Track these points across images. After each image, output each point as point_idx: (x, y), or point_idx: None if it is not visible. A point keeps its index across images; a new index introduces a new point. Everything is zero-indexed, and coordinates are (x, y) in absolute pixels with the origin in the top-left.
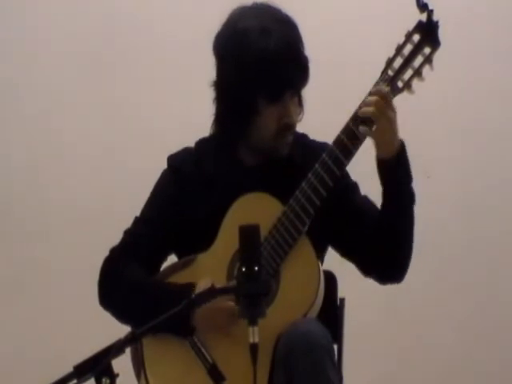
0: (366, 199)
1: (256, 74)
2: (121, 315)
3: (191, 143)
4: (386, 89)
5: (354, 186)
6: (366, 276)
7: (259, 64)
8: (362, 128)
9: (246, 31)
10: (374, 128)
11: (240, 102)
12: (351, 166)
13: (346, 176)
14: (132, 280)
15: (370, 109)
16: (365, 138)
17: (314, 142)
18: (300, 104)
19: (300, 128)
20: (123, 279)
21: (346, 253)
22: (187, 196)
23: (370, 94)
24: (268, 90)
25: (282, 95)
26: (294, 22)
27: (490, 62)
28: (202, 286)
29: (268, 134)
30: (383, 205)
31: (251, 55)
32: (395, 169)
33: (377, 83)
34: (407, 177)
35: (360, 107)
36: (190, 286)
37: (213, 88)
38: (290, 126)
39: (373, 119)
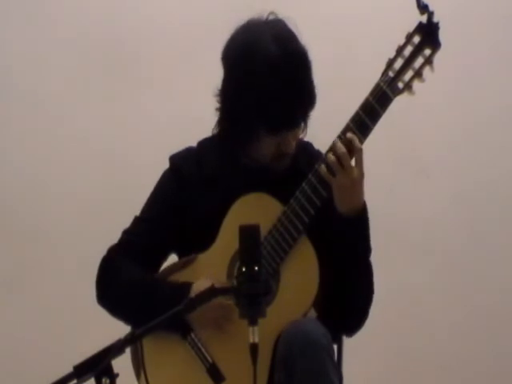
0: None
1: (258, 108)
2: (118, 313)
3: (193, 143)
4: (359, 145)
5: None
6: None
7: (262, 100)
8: (322, 169)
9: (254, 54)
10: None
11: (239, 124)
12: None
13: None
14: (129, 278)
15: (334, 159)
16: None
17: (318, 151)
18: (304, 123)
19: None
20: (120, 277)
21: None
22: (188, 196)
23: (341, 139)
24: (268, 125)
25: (281, 131)
26: (304, 49)
27: (490, 61)
28: (199, 285)
29: (264, 156)
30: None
31: (256, 88)
32: (349, 226)
33: (375, 86)
34: (361, 238)
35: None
36: (187, 285)
37: (216, 98)
38: (287, 154)
39: (334, 170)
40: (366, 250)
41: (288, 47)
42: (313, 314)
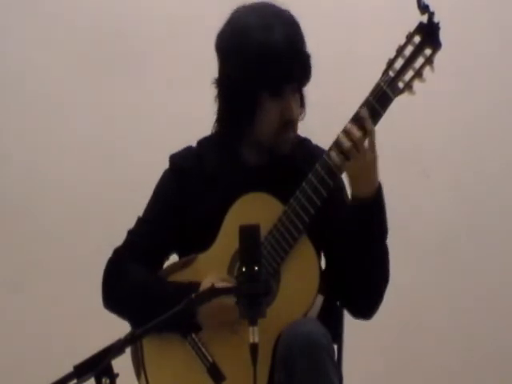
0: None
1: (257, 68)
2: (126, 315)
3: (193, 142)
4: (371, 126)
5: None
6: (339, 303)
7: (260, 58)
8: (333, 156)
9: (247, 27)
10: (349, 162)
11: (241, 97)
12: None
13: (344, 193)
14: (137, 279)
15: (348, 143)
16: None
17: (316, 146)
18: (302, 103)
19: (301, 127)
20: (128, 279)
21: (326, 269)
22: (189, 195)
23: (355, 120)
24: (268, 83)
25: (283, 89)
26: (295, 19)
27: (490, 61)
28: (206, 284)
29: (269, 129)
30: (352, 243)
31: (252, 49)
32: (365, 210)
33: (376, 86)
34: (378, 221)
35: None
36: (196, 285)
37: (215, 85)
38: (291, 122)
39: (348, 155)
40: (384, 232)
41: (276, 13)
42: (313, 314)
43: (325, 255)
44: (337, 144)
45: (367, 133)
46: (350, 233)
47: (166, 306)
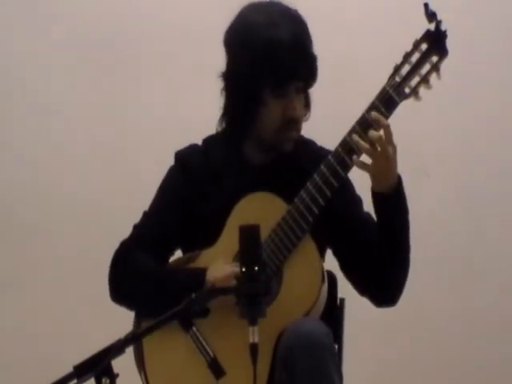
0: (367, 216)
1: (262, 65)
2: (135, 302)
3: (193, 142)
4: (386, 121)
5: (357, 200)
6: (361, 295)
7: (265, 54)
8: (356, 160)
9: (254, 24)
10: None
11: (245, 93)
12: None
13: (352, 189)
14: (144, 267)
15: (366, 146)
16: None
17: (321, 148)
18: (307, 104)
19: (304, 128)
20: (136, 266)
21: (342, 266)
22: (194, 192)
23: (366, 121)
24: (273, 80)
25: (287, 86)
26: (303, 19)
27: (490, 62)
28: (212, 271)
29: (272, 127)
30: (379, 234)
31: (258, 46)
32: (390, 202)
33: (382, 90)
34: (402, 210)
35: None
36: (202, 272)
37: (221, 79)
38: (295, 120)
39: (369, 157)
40: (407, 220)
41: (284, 11)
42: (316, 313)
43: (337, 251)
44: (351, 147)
45: (384, 128)
46: (378, 225)
47: (175, 292)
